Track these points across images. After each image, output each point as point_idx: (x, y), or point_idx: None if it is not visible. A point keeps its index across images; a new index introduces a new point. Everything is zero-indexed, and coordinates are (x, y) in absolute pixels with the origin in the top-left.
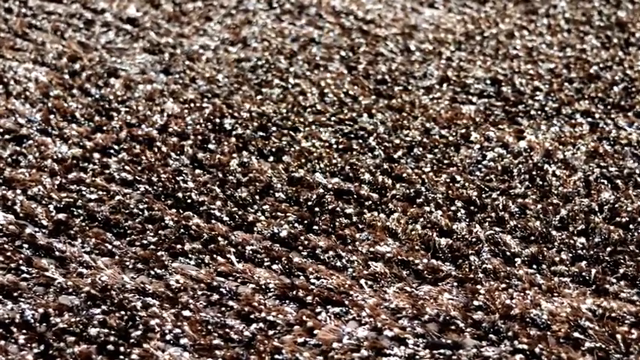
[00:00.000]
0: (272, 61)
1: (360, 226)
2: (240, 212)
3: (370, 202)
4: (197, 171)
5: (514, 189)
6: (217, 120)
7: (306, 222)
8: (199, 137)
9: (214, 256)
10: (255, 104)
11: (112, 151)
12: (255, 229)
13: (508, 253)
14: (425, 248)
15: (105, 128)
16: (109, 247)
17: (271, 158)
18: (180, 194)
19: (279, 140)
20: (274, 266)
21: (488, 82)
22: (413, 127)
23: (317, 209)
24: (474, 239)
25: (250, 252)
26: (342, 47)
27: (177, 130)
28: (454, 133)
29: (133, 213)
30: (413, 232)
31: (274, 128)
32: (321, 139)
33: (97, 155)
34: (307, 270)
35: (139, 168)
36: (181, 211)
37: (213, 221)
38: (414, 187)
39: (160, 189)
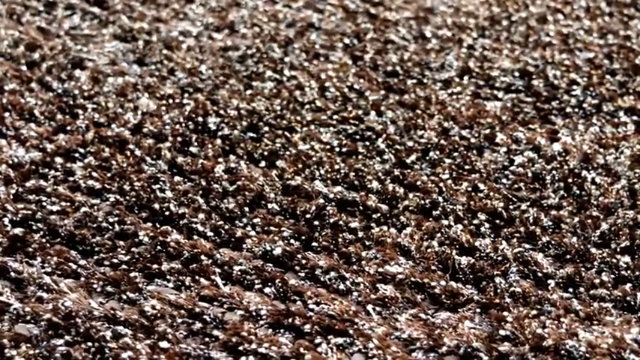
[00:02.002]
0: (264, 49)
1: (367, 243)
2: (226, 226)
3: (379, 214)
4: (176, 178)
5: (547, 199)
6: (200, 119)
7: (303, 238)
8: (179, 139)
9: (196, 277)
10: (245, 100)
11: (76, 155)
12: (244, 246)
13: (540, 274)
14: (442, 268)
15: (69, 128)
16: (74, 267)
17: (263, 163)
18: (156, 205)
19: (272, 142)
20: (266, 289)
21: (516, 74)
22: (429, 127)
23: (316, 223)
24: (499, 258)
25: (238, 273)
26: (346, 33)
27: (153, 131)
28: (477, 134)
29: (101, 227)
30: (429, 250)
31: (266, 128)
32: (321, 141)
33: (59, 160)
34: (305, 294)
35: (109, 175)
36: (158, 225)
37: (195, 237)
38: (429, 197)
39: (133, 199)
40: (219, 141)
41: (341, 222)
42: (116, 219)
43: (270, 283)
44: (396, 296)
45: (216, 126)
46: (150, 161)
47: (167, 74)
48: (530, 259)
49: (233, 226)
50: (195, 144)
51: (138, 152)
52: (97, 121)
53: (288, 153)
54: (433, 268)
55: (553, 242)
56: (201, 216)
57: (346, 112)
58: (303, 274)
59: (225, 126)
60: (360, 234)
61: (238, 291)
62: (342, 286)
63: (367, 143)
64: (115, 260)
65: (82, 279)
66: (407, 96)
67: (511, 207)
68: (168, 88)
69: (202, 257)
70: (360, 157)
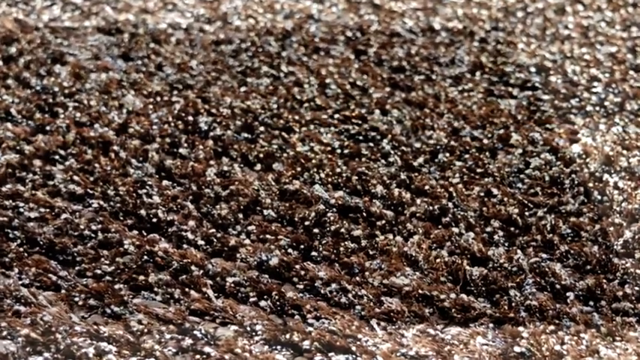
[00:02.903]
0: (259, 43)
1: (371, 253)
2: (219, 235)
3: (384, 221)
4: (164, 182)
5: (565, 205)
6: (190, 118)
7: (302, 247)
8: (167, 140)
9: (186, 290)
10: (239, 98)
11: (56, 157)
12: (238, 255)
13: (558, 287)
14: (453, 280)
15: (48, 128)
16: (54, 278)
17: (258, 166)
18: (143, 212)
19: (268, 144)
20: (262, 303)
21: (532, 69)
22: (438, 127)
23: (316, 231)
24: (514, 269)
25: (232, 285)
26: (348, 26)
27: (139, 131)
28: (490, 135)
29: (83, 235)
30: (437, 260)
31: (262, 128)
32: (321, 142)
33: (37, 162)
34: (304, 307)
35: (91, 179)
36: (145, 234)
37: (185, 246)
38: (438, 202)
39: (118, 205)
40: (210, 142)
41: (343, 230)
42: (99, 226)
43: (266, 296)
44: (403, 310)
45: (208, 126)
46: (136, 164)
47: (154, 70)
48: (547, 269)
49: (226, 235)
50: (185, 145)
51: (123, 154)
52: (78, 121)
53: (285, 155)
54: (442, 279)
55: (572, 252)
56: (192, 223)
57: (348, 111)
58: (301, 286)
59: (217, 126)
60: (364, 243)
61: (232, 304)
62: (343, 299)
63: (371, 144)
64: (98, 271)
65: (63, 291)
66: (414, 93)
67: (527, 213)
68: (156, 85)
69: (193, 268)
70: (363, 159)
